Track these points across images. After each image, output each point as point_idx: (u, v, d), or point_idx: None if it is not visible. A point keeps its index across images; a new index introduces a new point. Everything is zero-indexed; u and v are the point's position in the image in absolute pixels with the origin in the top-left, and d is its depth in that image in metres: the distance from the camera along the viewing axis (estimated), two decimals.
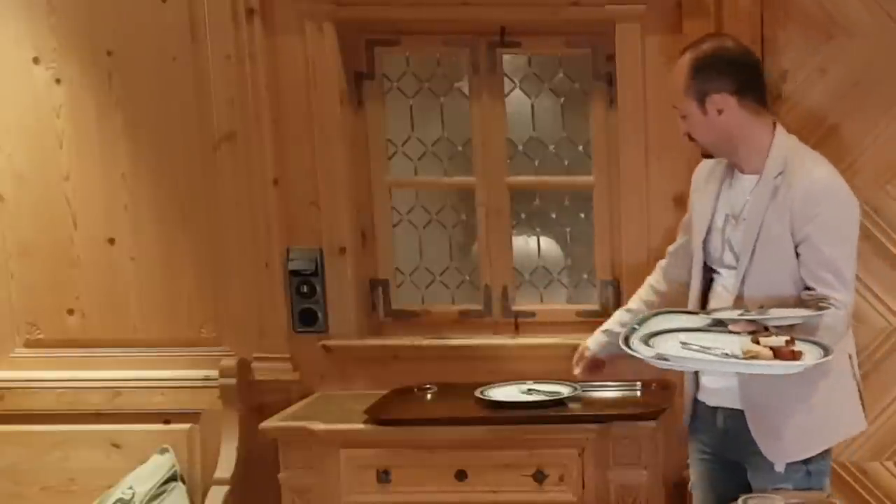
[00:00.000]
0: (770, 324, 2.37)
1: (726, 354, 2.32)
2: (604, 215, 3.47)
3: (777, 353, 2.26)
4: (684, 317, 2.54)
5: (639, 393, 3.30)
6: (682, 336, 2.41)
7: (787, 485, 2.47)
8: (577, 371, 2.87)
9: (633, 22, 3.27)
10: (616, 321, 2.84)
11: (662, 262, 2.90)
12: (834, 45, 3.26)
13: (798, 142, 2.60)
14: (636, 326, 2.46)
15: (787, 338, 2.29)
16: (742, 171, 2.57)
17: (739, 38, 2.67)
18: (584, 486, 3.08)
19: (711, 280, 2.65)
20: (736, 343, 2.35)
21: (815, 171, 2.52)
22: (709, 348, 2.36)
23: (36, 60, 3.39)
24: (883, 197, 3.31)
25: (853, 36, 3.26)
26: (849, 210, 2.53)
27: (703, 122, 2.52)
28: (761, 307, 2.44)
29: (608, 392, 3.29)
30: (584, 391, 3.25)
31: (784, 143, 2.55)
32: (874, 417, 3.38)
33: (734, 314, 2.44)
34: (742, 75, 2.52)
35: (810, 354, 2.29)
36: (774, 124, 2.58)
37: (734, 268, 2.55)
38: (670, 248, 2.87)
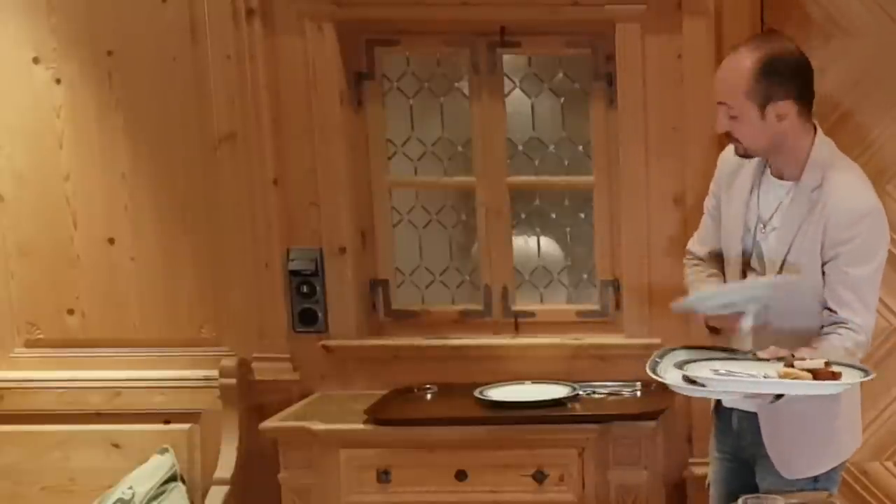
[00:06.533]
0: (799, 354, 2.31)
1: (765, 377, 2.25)
2: (604, 215, 3.47)
3: (816, 375, 2.21)
4: (705, 351, 2.46)
5: (639, 393, 3.30)
6: (714, 364, 2.33)
7: (794, 488, 2.46)
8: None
9: (633, 22, 3.26)
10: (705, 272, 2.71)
11: (697, 258, 2.76)
12: (834, 45, 3.26)
13: (834, 149, 2.54)
14: (658, 360, 2.38)
15: (824, 360, 2.24)
16: (780, 177, 2.51)
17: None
18: (584, 486, 3.08)
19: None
20: (767, 369, 2.28)
21: (854, 193, 2.46)
22: (738, 374, 2.28)
23: (36, 60, 3.39)
24: (883, 197, 3.27)
25: (853, 36, 3.26)
26: (883, 235, 2.49)
27: (758, 126, 2.42)
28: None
29: (608, 392, 3.29)
30: (583, 391, 3.26)
31: (823, 152, 2.48)
32: (874, 417, 3.39)
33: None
34: (805, 82, 2.45)
35: (848, 375, 2.25)
36: (815, 128, 2.52)
37: (760, 274, 2.52)
38: (698, 246, 2.74)
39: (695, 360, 2.35)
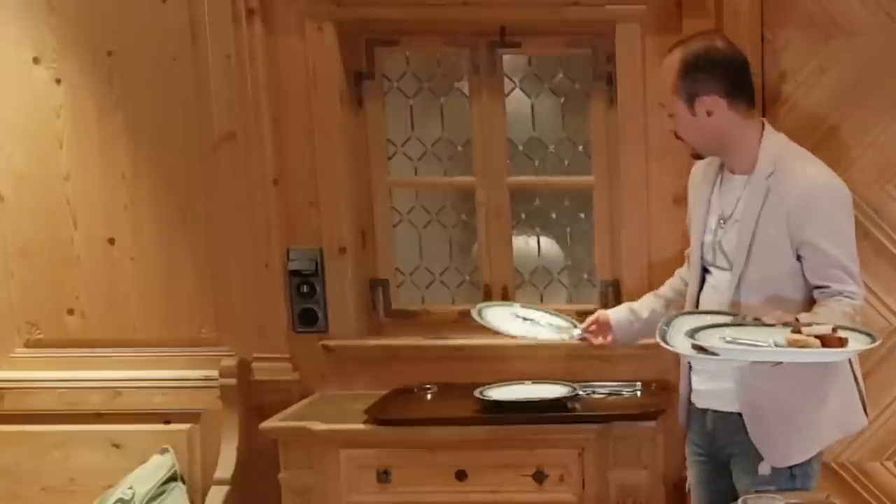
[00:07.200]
0: (803, 319, 2.32)
1: (774, 344, 2.26)
2: (604, 215, 3.47)
3: (824, 341, 2.21)
4: (709, 317, 2.46)
5: (639, 393, 3.29)
6: (724, 331, 2.33)
7: (771, 487, 2.45)
8: (582, 327, 2.89)
9: (633, 22, 3.27)
10: (644, 305, 2.84)
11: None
12: (834, 45, 3.26)
13: (787, 140, 2.59)
14: (665, 327, 2.39)
15: (831, 325, 2.24)
16: (732, 172, 2.56)
17: (729, 37, 2.65)
18: (584, 486, 3.08)
19: (705, 280, 2.64)
20: (775, 335, 2.28)
21: (808, 170, 2.51)
22: (748, 341, 2.28)
23: (36, 60, 3.39)
24: (883, 197, 3.31)
25: (853, 36, 3.26)
26: (845, 205, 2.52)
27: (691, 122, 2.50)
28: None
29: (608, 392, 3.29)
30: (583, 391, 3.25)
31: (773, 143, 2.54)
32: (874, 417, 3.38)
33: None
34: (732, 77, 2.50)
35: (855, 341, 2.25)
36: (763, 124, 2.58)
37: (726, 269, 2.54)
38: (687, 252, 2.83)
39: (703, 328, 2.33)
